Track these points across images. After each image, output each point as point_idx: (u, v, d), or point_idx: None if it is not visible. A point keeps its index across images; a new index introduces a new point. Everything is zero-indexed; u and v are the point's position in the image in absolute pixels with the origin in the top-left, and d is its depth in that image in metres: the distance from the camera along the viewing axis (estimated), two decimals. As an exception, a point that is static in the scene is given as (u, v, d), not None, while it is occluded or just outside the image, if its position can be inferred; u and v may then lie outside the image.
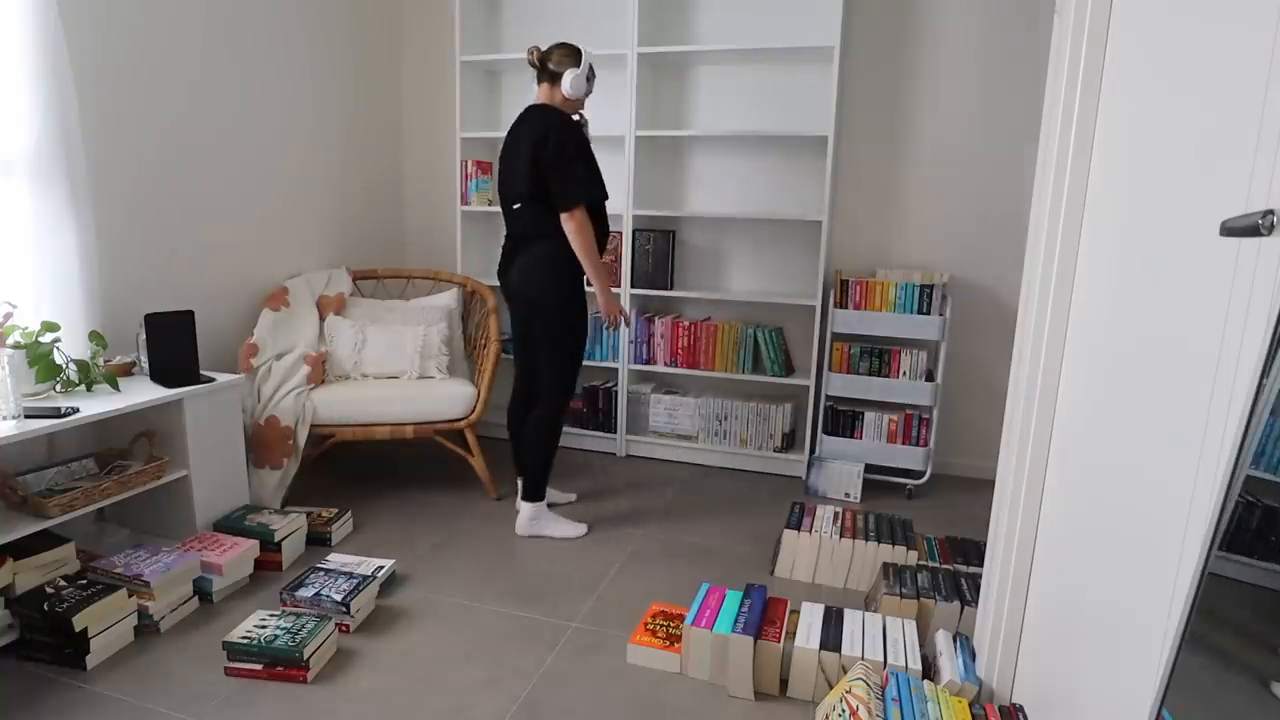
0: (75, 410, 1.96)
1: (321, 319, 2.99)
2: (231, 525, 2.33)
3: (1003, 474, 1.67)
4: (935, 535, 2.42)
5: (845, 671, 1.75)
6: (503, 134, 3.47)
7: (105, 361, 2.25)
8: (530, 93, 3.57)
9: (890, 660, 1.73)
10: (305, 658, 1.78)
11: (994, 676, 1.67)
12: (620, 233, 3.32)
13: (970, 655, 1.75)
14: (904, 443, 3.05)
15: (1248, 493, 0.77)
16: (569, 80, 2.41)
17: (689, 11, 3.29)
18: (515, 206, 2.45)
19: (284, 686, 1.77)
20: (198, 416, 2.29)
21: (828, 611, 1.91)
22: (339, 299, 3.09)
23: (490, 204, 3.56)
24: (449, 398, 2.79)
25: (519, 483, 2.62)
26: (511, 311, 2.57)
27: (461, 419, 2.81)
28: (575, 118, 2.48)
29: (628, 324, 2.71)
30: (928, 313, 2.97)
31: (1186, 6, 1.08)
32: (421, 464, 3.30)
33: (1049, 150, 1.49)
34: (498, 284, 2.59)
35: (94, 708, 1.68)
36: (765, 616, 1.89)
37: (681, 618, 2.00)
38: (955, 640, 1.80)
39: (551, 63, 2.44)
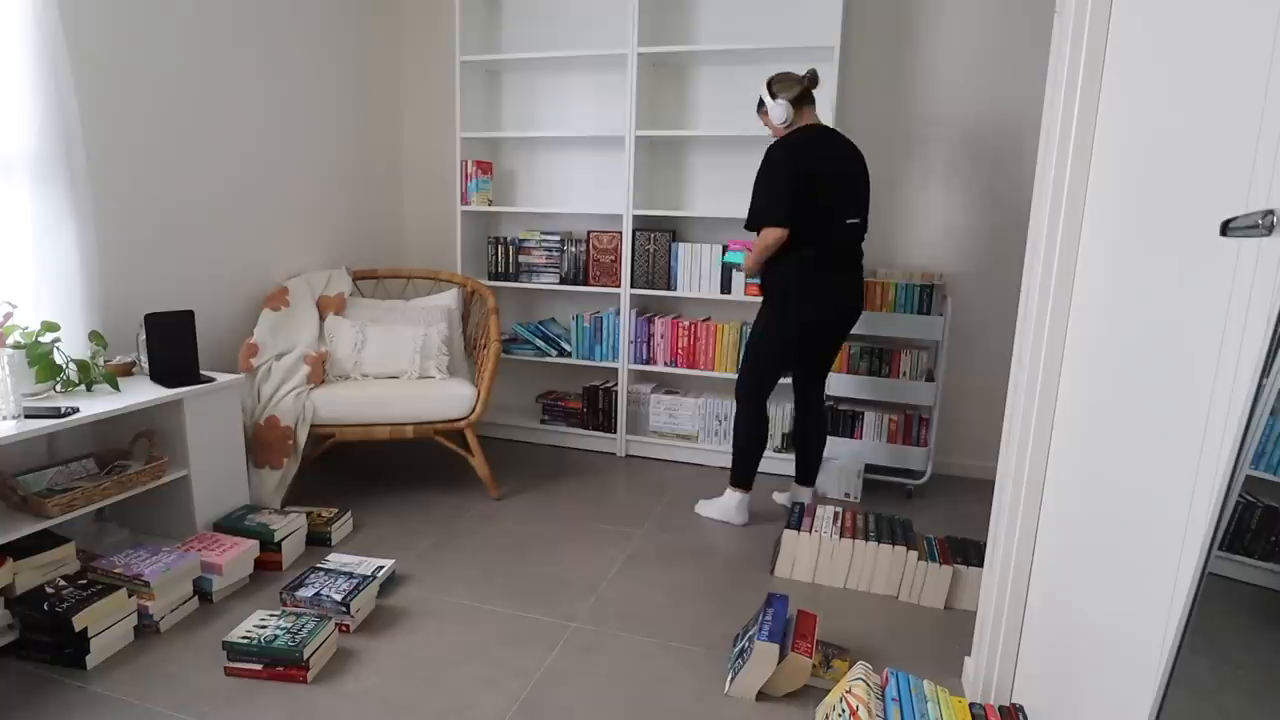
0: (75, 410, 1.96)
1: (321, 319, 2.99)
2: (231, 525, 2.33)
3: (1003, 474, 1.67)
4: (935, 535, 2.42)
5: (849, 667, 1.75)
6: (503, 134, 3.50)
7: (105, 361, 2.25)
8: (532, 92, 3.60)
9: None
10: (305, 658, 1.78)
11: (994, 676, 1.67)
12: (620, 233, 3.33)
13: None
14: (904, 443, 3.05)
15: (1248, 493, 0.77)
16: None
17: (689, 11, 3.29)
18: (852, 222, 2.56)
19: (284, 686, 1.77)
20: (198, 416, 2.29)
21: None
22: (339, 299, 3.09)
23: (490, 204, 3.56)
24: (449, 398, 2.79)
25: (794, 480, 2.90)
26: (822, 320, 2.60)
27: (461, 419, 2.81)
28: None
29: None
30: (928, 313, 2.97)
31: (1186, 6, 1.08)
32: (421, 464, 3.30)
33: (1049, 150, 1.49)
34: (836, 298, 2.61)
35: (94, 708, 1.68)
36: (798, 630, 1.86)
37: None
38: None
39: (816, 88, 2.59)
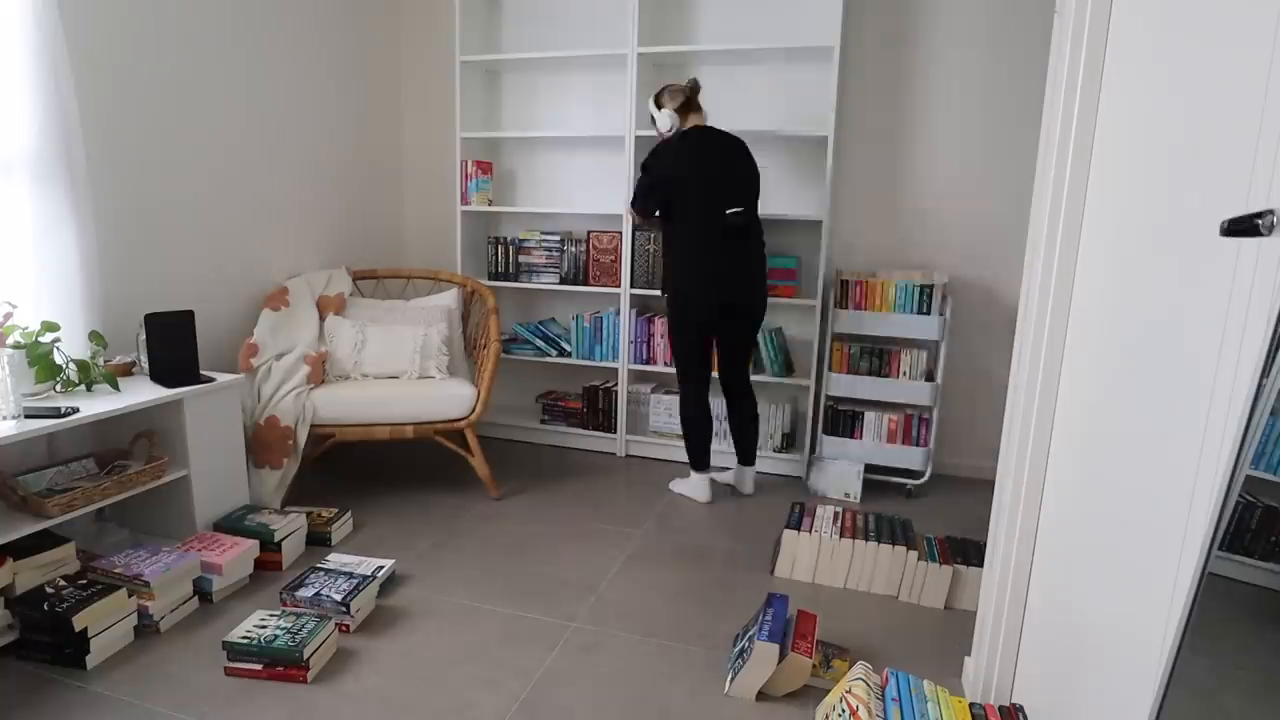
0: (75, 410, 1.96)
1: (321, 319, 2.99)
2: (231, 525, 2.33)
3: (1003, 474, 1.67)
4: (935, 535, 2.42)
5: (849, 667, 1.75)
6: (503, 134, 3.50)
7: (105, 361, 2.25)
8: (532, 92, 3.60)
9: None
10: (305, 658, 1.78)
11: (994, 676, 1.67)
12: (620, 233, 3.33)
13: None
14: (904, 443, 3.05)
15: (1248, 493, 0.77)
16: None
17: (689, 11, 3.29)
18: (733, 211, 2.67)
19: (284, 686, 1.77)
20: (198, 416, 2.29)
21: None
22: (339, 299, 3.09)
23: (490, 204, 3.56)
24: (449, 398, 2.79)
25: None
26: (710, 320, 2.74)
27: (461, 419, 2.81)
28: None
29: None
30: (928, 313, 2.97)
31: (1186, 6, 1.08)
32: (421, 464, 3.30)
33: (1049, 150, 1.49)
34: (721, 289, 2.69)
35: (94, 708, 1.68)
36: (798, 630, 1.86)
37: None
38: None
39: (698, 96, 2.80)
